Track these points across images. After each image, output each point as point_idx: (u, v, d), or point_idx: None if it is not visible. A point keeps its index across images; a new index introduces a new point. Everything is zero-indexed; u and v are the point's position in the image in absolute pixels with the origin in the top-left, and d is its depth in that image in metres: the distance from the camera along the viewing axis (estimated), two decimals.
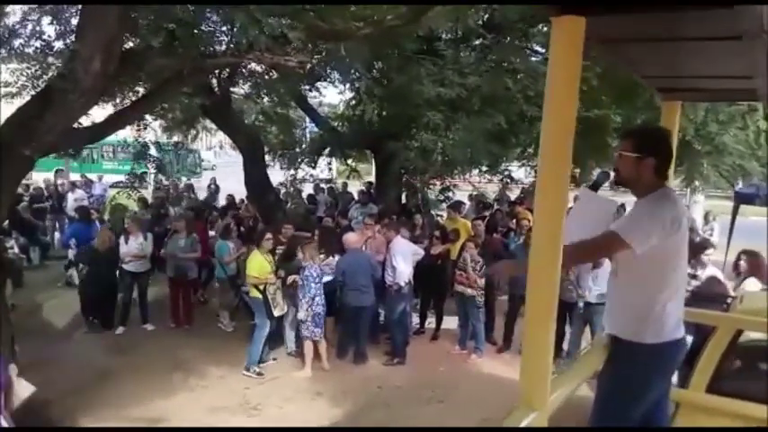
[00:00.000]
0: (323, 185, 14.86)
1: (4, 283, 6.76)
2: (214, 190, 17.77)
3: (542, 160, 2.15)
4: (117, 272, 9.01)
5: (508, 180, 12.57)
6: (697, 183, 11.11)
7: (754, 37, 1.66)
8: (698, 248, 6.38)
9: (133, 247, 8.85)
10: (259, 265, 7.45)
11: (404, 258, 7.85)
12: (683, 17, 2.06)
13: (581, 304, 7.43)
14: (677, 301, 2.68)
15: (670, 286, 2.63)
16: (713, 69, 3.02)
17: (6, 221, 10.75)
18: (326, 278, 7.76)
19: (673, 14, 2.01)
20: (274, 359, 7.84)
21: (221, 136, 26.11)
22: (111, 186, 15.37)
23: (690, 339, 3.65)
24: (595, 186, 3.04)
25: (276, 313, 7.52)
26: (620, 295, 2.77)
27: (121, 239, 9.01)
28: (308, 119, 14.13)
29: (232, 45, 5.99)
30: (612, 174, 2.87)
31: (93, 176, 18.67)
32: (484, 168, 12.23)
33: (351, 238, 8.04)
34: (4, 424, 4.76)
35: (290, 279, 7.56)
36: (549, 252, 2.19)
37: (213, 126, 13.46)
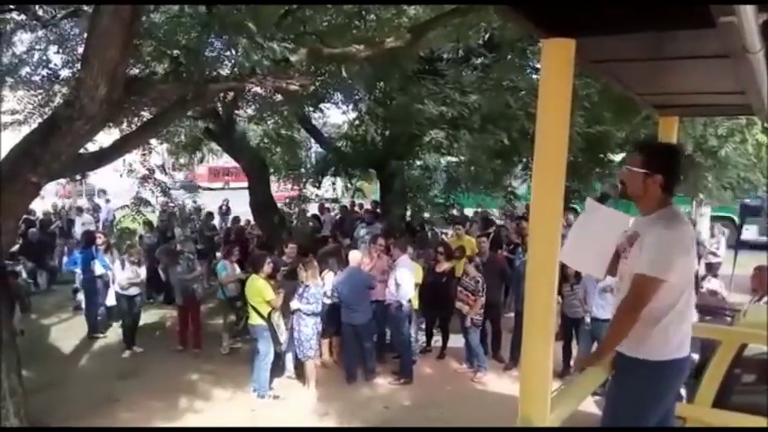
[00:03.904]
0: (327, 205, 14.93)
1: (12, 309, 6.81)
2: (225, 211, 17.94)
3: (536, 178, 2.19)
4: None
5: (512, 196, 12.57)
6: (702, 196, 11.08)
7: (737, 56, 1.70)
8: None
9: (129, 272, 8.95)
10: (258, 290, 7.22)
11: (409, 275, 7.82)
12: (671, 37, 2.10)
13: (588, 320, 7.40)
14: (682, 320, 2.65)
15: (675, 306, 2.60)
16: (707, 86, 3.07)
17: (16, 246, 10.87)
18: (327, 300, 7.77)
19: (660, 35, 2.06)
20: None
21: None
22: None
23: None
24: (603, 199, 3.09)
25: (282, 339, 7.39)
26: None
27: (117, 264, 9.14)
28: (312, 139, 14.23)
29: (235, 70, 6.08)
30: (619, 186, 2.91)
31: (100, 201, 18.75)
32: (488, 185, 12.22)
33: (352, 256, 7.96)
34: None
35: (293, 306, 7.39)
36: (546, 268, 2.22)
37: (219, 149, 13.60)
